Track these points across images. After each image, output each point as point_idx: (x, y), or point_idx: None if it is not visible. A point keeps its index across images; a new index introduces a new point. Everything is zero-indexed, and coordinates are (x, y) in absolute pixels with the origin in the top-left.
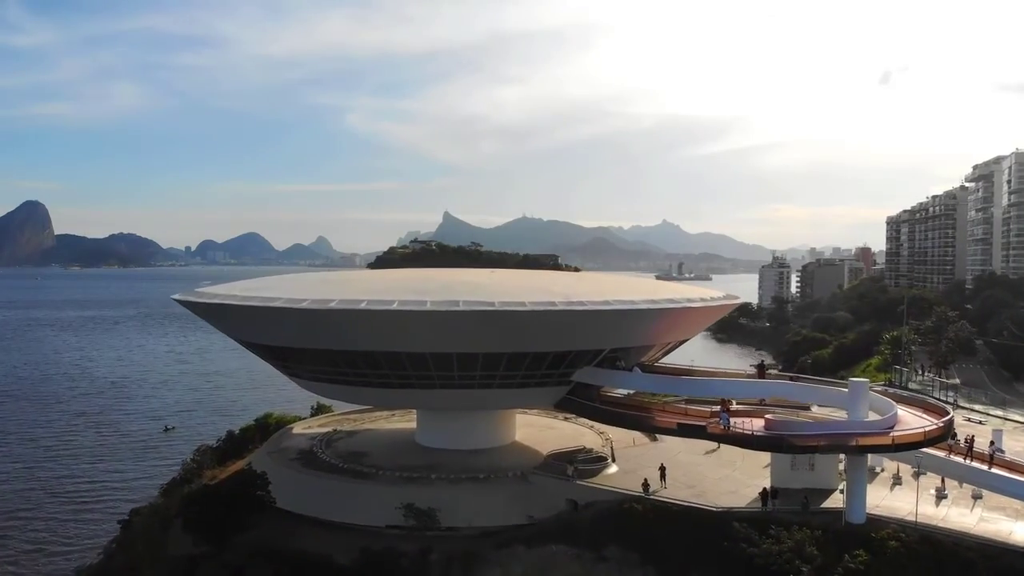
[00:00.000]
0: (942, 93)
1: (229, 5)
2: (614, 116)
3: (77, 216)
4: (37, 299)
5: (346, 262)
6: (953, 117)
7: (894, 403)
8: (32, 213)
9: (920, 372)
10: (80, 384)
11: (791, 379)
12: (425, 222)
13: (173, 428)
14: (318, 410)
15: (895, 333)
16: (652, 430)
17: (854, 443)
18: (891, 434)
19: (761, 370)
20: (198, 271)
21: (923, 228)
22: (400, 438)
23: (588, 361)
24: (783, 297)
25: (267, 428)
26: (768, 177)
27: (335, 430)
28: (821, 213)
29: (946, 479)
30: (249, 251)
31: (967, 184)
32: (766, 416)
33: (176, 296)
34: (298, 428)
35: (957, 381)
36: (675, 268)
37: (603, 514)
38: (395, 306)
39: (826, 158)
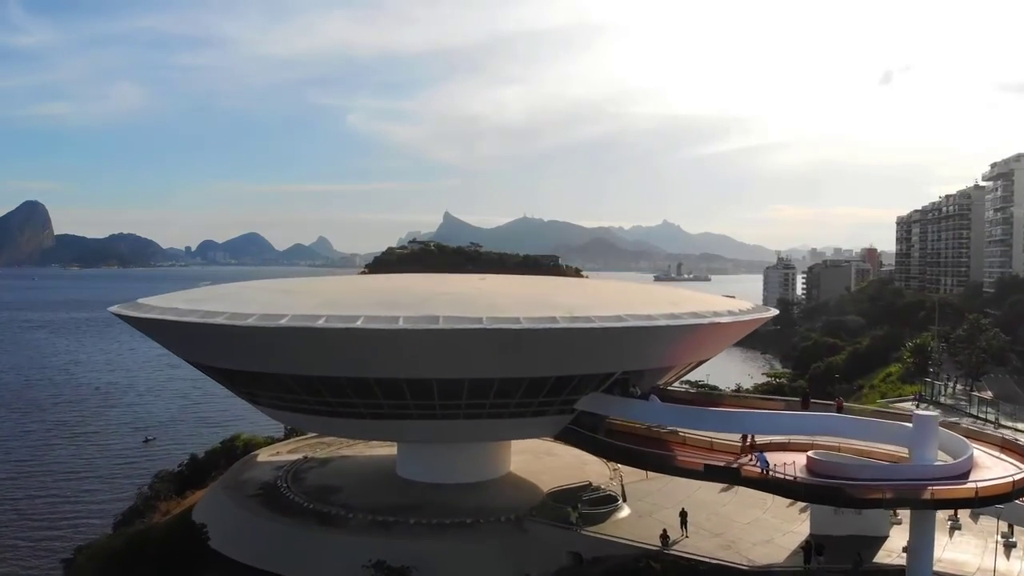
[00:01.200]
0: (943, 93)
1: (231, 6)
2: (615, 116)
3: (77, 216)
4: (30, 300)
5: (346, 262)
6: (954, 117)
7: (968, 442)
8: (32, 213)
9: (950, 384)
10: (64, 391)
11: (839, 410)
12: (426, 222)
13: (153, 439)
14: (292, 430)
15: (919, 340)
16: (673, 472)
17: (928, 496)
18: (972, 484)
19: (805, 400)
20: (198, 271)
21: (935, 228)
22: (379, 468)
23: (595, 386)
24: (789, 299)
25: (233, 452)
26: (769, 177)
27: (306, 457)
28: (822, 213)
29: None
30: (249, 251)
31: (983, 183)
32: (808, 454)
33: (113, 309)
34: (264, 454)
35: (990, 394)
36: (674, 269)
37: (614, 573)
38: (360, 323)
39: (827, 158)
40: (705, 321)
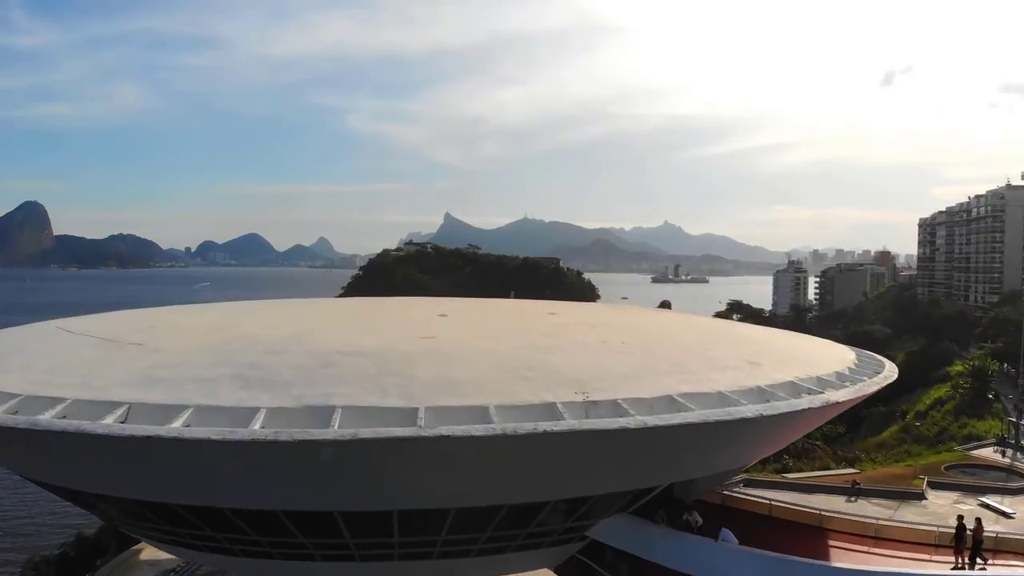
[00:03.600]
0: (945, 95)
1: (231, 6)
2: (616, 117)
3: (77, 217)
4: (18, 302)
5: (346, 263)
6: (957, 119)
7: None
8: (31, 214)
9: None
10: None
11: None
12: (427, 223)
13: None
14: None
15: (975, 362)
16: None
17: None
18: None
19: (963, 529)
20: (197, 272)
21: (964, 231)
22: None
23: (622, 507)
24: (802, 305)
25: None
26: (770, 178)
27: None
28: (823, 214)
29: None
30: (250, 252)
31: (1020, 183)
32: None
33: None
34: (151, 550)
35: None
36: (672, 270)
37: None
38: (180, 425)
39: (828, 159)
40: (817, 403)
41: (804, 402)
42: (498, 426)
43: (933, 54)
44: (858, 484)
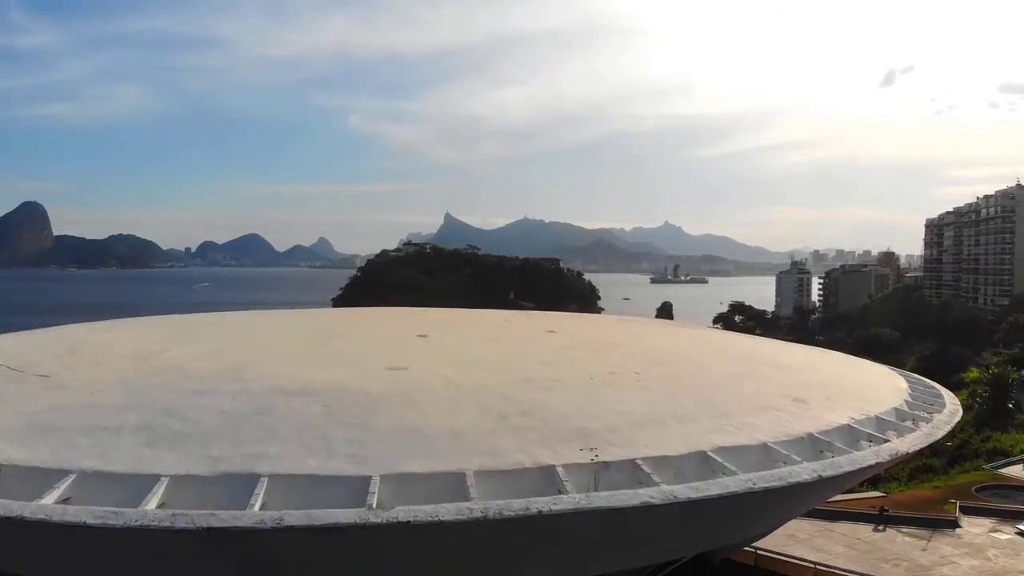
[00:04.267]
0: (946, 94)
1: (231, 6)
2: (617, 117)
3: (77, 217)
4: (12, 304)
5: (346, 263)
6: (957, 119)
7: None
8: (31, 214)
9: None
10: None
11: None
12: (427, 223)
13: None
14: None
15: (994, 369)
16: None
17: None
18: None
19: None
20: (197, 273)
21: (973, 232)
22: None
23: None
24: (806, 307)
25: None
26: (770, 178)
27: None
28: (823, 215)
29: None
30: (250, 252)
31: None
32: None
33: None
34: None
35: None
36: (671, 270)
37: None
38: (55, 500)
39: (828, 159)
40: (884, 456)
41: (868, 456)
42: (477, 506)
43: (933, 54)
44: (886, 510)
